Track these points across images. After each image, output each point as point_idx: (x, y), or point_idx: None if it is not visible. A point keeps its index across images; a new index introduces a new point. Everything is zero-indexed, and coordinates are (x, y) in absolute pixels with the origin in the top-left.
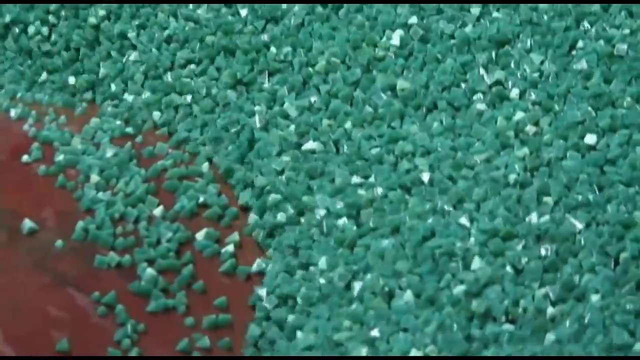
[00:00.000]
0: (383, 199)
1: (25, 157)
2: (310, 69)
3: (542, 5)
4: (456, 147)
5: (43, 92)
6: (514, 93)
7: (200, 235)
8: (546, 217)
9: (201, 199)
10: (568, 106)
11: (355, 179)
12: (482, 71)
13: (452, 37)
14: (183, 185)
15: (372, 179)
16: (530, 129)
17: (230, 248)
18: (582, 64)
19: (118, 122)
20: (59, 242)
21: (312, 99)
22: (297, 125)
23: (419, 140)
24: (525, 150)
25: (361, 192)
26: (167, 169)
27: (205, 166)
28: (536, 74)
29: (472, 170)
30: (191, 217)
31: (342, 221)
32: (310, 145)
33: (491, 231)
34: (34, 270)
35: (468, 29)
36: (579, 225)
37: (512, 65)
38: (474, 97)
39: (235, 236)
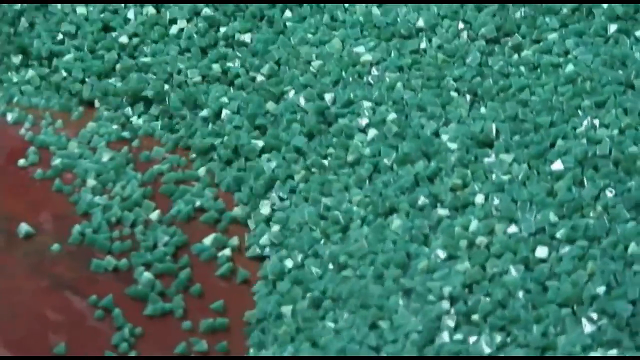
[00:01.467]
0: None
1: (21, 161)
2: None
3: (534, 98)
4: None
5: (39, 97)
6: (479, 198)
7: (208, 240)
8: (458, 337)
9: (198, 203)
10: (529, 214)
11: None
12: (451, 174)
13: (435, 134)
14: (180, 189)
15: None
16: (481, 240)
17: (227, 252)
18: (558, 165)
19: (114, 127)
20: (56, 246)
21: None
22: None
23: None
24: (467, 264)
25: None
26: (164, 173)
27: (202, 170)
28: (506, 176)
29: (413, 280)
30: (188, 221)
31: None
32: None
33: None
34: (30, 274)
35: (452, 126)
36: (487, 350)
37: (484, 167)
38: (437, 202)
39: (234, 240)
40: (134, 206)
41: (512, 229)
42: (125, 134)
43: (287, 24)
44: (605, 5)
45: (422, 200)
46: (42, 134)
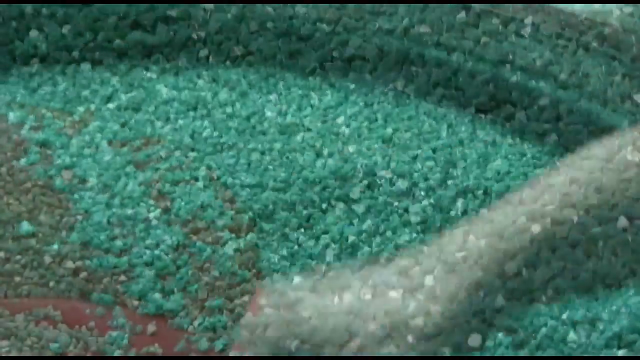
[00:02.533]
0: None
1: (23, 161)
2: None
3: None
4: None
5: (41, 96)
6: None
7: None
8: None
9: (198, 203)
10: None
11: None
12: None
13: None
14: (180, 188)
15: None
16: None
17: (228, 251)
18: None
19: (116, 126)
20: (56, 245)
21: None
22: None
23: None
24: None
25: None
26: (164, 172)
27: (202, 170)
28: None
29: None
30: (188, 220)
31: None
32: None
33: None
34: (30, 273)
35: None
36: None
37: None
38: None
39: (233, 240)
40: (135, 205)
41: None
42: (126, 132)
43: None
44: None
45: None
46: (44, 133)
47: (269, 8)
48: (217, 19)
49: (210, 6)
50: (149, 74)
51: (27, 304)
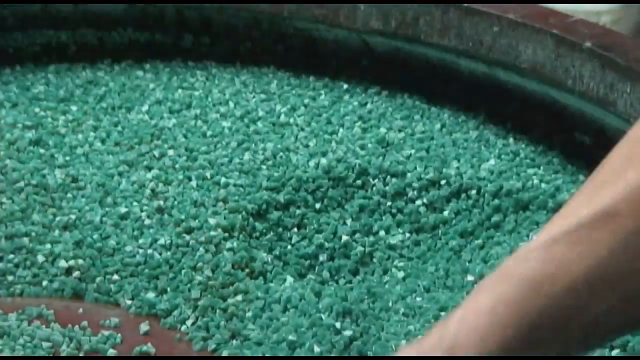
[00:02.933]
0: None
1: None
2: None
3: None
4: None
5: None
6: None
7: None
8: None
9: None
10: None
11: None
12: None
13: None
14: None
15: None
16: None
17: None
18: None
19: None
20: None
21: None
22: None
23: None
24: None
25: None
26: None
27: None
28: None
29: None
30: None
31: None
32: None
33: None
34: None
35: None
36: None
37: None
38: None
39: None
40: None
41: None
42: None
43: None
44: None
45: None
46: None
47: (263, 7)
48: (211, 19)
49: (204, 6)
50: (142, 74)
51: (20, 303)
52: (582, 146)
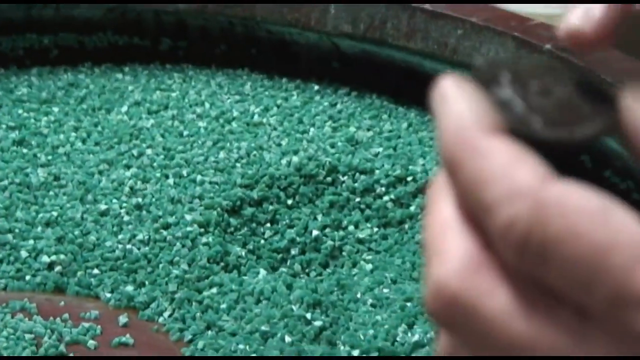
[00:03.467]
0: None
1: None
2: None
3: None
4: None
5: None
6: None
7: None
8: None
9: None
10: None
11: None
12: None
13: None
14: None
15: None
16: None
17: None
18: None
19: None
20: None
21: None
22: None
23: None
24: None
25: None
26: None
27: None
28: None
29: None
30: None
31: None
32: None
33: None
34: None
35: None
36: None
37: None
38: None
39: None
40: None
41: None
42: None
43: None
44: None
45: None
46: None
47: (237, 11)
48: (187, 23)
49: (180, 8)
50: (122, 76)
51: (3, 297)
52: None
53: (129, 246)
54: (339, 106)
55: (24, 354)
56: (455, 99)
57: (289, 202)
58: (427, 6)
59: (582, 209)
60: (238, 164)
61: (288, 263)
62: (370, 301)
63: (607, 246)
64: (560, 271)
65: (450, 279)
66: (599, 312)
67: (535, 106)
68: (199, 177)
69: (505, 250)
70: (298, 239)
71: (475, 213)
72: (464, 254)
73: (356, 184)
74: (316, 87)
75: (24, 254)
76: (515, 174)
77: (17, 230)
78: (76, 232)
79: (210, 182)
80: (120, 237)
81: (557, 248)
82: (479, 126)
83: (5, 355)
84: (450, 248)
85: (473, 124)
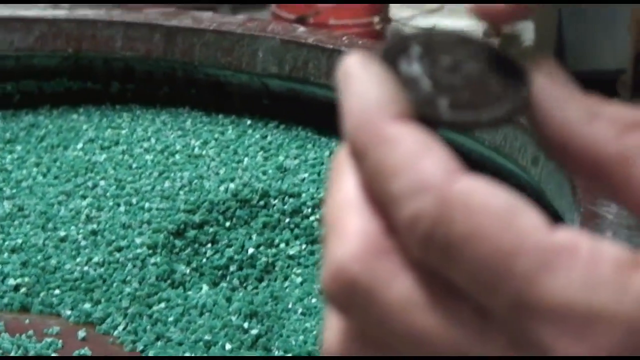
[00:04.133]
0: None
1: None
2: None
3: None
4: None
5: None
6: None
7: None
8: None
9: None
10: None
11: None
12: None
13: None
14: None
15: None
16: None
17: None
18: None
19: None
20: None
21: None
22: None
23: None
24: None
25: None
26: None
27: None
28: None
29: None
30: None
31: None
32: None
33: None
34: None
35: None
36: None
37: None
38: None
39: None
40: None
41: None
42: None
43: None
44: None
45: None
46: None
47: (177, 57)
48: (134, 68)
49: (127, 55)
50: (77, 117)
51: None
52: None
53: (86, 268)
54: (269, 138)
55: None
56: (360, 78)
57: (227, 224)
58: (344, 48)
59: (487, 209)
60: (181, 192)
61: (227, 278)
62: (300, 310)
63: (511, 251)
64: (464, 271)
65: (351, 261)
66: (500, 315)
67: (443, 85)
68: (147, 205)
69: (410, 242)
70: (236, 256)
71: (379, 200)
72: (367, 237)
73: (286, 207)
74: (249, 122)
75: None
76: (420, 166)
77: None
78: (39, 257)
79: (157, 209)
80: (78, 260)
81: (461, 248)
82: (384, 111)
83: None
84: (352, 229)
85: (378, 108)
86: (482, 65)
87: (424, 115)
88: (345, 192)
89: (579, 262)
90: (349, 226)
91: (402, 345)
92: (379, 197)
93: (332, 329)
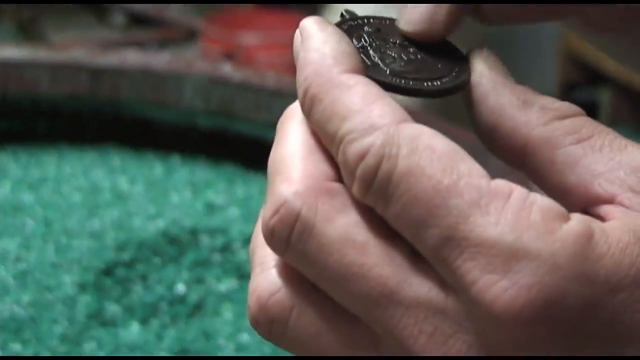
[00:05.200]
0: None
1: None
2: None
3: None
4: None
5: None
6: None
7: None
8: None
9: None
10: None
11: None
12: None
13: None
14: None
15: None
16: None
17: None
18: None
19: None
20: None
21: None
22: None
23: None
24: None
25: None
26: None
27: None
28: None
29: None
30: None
31: None
32: None
33: None
34: None
35: None
36: None
37: None
38: None
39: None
40: None
41: None
42: None
43: None
44: None
45: None
46: None
47: (104, 94)
48: (61, 106)
49: (54, 94)
50: (3, 156)
51: None
52: None
53: (15, 308)
54: (197, 174)
55: None
56: (318, 35)
57: (157, 261)
58: (270, 85)
59: (432, 150)
60: (111, 230)
61: (158, 316)
62: (232, 347)
63: (448, 188)
64: (401, 208)
65: (294, 198)
66: (430, 253)
67: (390, 56)
68: (76, 243)
69: (353, 182)
70: (166, 294)
71: (328, 145)
72: (312, 179)
73: (215, 243)
74: (177, 159)
75: None
76: (372, 109)
77: None
78: None
79: (87, 248)
80: (7, 300)
81: (402, 184)
82: (339, 62)
83: None
84: (298, 172)
85: (334, 60)
86: (428, 48)
87: (371, 78)
88: (292, 142)
89: (511, 206)
90: (296, 169)
91: (332, 286)
92: (329, 140)
93: (262, 277)
